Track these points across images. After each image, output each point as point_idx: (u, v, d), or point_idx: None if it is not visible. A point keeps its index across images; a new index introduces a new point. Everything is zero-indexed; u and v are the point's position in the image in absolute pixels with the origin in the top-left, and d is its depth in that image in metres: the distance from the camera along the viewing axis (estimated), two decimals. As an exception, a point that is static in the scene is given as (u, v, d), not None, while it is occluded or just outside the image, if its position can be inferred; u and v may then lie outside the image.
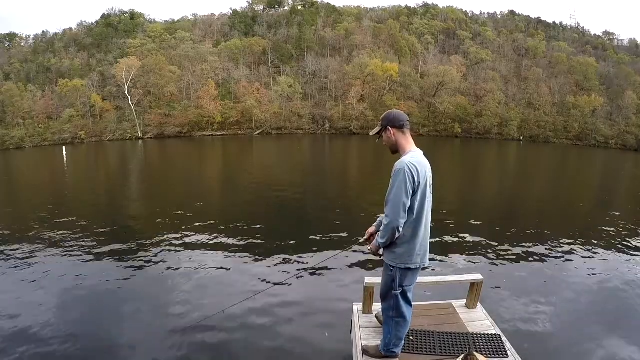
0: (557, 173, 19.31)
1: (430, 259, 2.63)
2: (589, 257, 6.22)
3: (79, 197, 12.20)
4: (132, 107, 43.81)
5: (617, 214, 9.76)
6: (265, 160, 24.14)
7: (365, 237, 2.70)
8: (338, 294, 4.77)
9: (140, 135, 43.14)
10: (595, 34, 65.50)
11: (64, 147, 30.92)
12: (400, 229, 2.30)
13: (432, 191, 2.42)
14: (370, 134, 2.54)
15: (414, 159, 2.31)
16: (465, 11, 66.66)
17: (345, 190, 13.33)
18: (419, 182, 2.27)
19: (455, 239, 6.90)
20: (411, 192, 2.25)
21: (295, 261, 5.95)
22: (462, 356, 2.22)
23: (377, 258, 2.57)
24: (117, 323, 4.13)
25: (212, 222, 8.31)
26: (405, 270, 2.42)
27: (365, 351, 2.78)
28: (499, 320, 3.61)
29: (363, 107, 46.07)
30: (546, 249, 6.59)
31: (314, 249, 6.51)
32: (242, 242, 6.88)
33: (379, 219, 2.65)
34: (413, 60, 53.82)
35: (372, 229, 2.67)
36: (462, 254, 6.24)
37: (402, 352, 2.70)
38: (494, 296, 4.62)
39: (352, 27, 57.02)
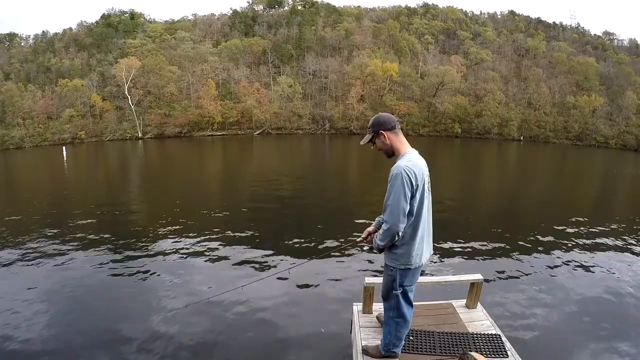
0: (557, 173, 19.30)
1: (431, 260, 2.62)
2: (589, 258, 6.20)
3: (79, 197, 12.18)
4: (132, 107, 43.84)
5: (617, 214, 9.77)
6: (265, 160, 24.14)
7: (363, 236, 2.69)
8: (338, 294, 4.77)
9: (140, 135, 43.17)
10: (595, 34, 65.61)
11: (64, 147, 30.89)
12: (400, 233, 2.29)
13: (430, 188, 2.40)
14: (362, 142, 2.51)
15: (410, 161, 2.28)
16: (465, 11, 66.85)
17: (346, 190, 13.33)
18: (417, 185, 2.25)
19: (456, 239, 6.88)
20: (410, 196, 2.23)
21: (295, 261, 5.93)
22: (459, 357, 2.22)
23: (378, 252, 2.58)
24: (110, 322, 4.12)
25: (212, 222, 8.31)
26: (405, 271, 2.43)
27: (365, 351, 2.78)
28: (499, 320, 3.60)
29: (363, 107, 46.11)
30: (546, 249, 6.58)
31: (314, 249, 6.51)
32: (241, 242, 6.86)
33: (378, 218, 2.64)
34: (413, 60, 53.84)
35: (371, 228, 2.67)
36: (462, 254, 6.23)
37: (402, 352, 2.70)
38: (494, 296, 4.61)
39: (352, 27, 57.07)
